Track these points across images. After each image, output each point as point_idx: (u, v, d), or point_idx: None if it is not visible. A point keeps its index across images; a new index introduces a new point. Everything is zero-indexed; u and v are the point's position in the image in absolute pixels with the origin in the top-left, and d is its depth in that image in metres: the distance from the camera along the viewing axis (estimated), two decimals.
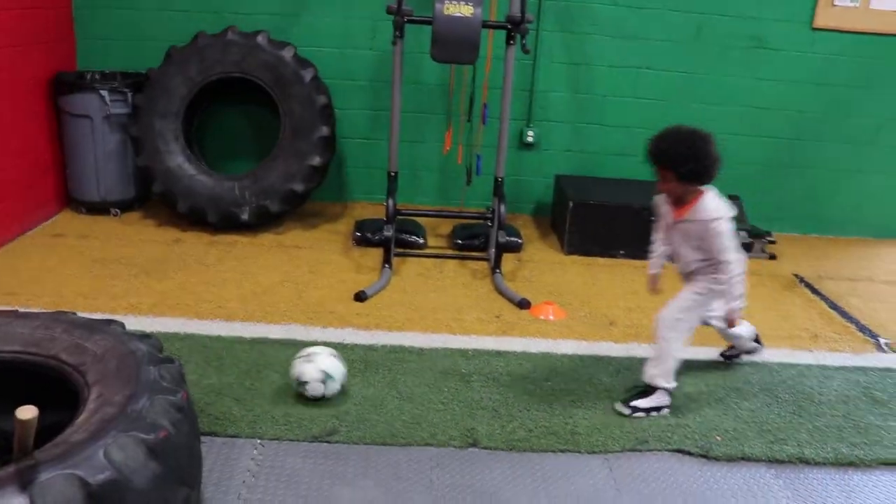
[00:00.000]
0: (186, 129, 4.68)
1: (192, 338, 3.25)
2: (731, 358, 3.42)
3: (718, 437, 2.80)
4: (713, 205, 2.76)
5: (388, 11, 4.01)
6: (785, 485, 2.59)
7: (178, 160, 4.57)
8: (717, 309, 2.94)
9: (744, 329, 3.25)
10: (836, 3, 4.97)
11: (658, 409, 2.92)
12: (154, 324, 3.35)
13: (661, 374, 2.90)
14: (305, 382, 2.75)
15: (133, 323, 3.21)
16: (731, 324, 2.86)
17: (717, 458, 2.69)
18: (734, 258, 2.74)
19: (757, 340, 3.42)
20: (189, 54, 4.55)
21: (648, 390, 2.93)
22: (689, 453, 2.71)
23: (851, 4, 4.98)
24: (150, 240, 4.42)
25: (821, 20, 5.01)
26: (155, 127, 4.54)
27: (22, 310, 2.35)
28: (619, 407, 2.91)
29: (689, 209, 2.78)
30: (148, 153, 4.55)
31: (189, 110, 4.65)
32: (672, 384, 2.93)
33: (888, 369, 3.47)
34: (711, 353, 3.48)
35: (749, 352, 3.42)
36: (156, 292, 3.71)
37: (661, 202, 2.90)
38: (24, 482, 1.51)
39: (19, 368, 2.07)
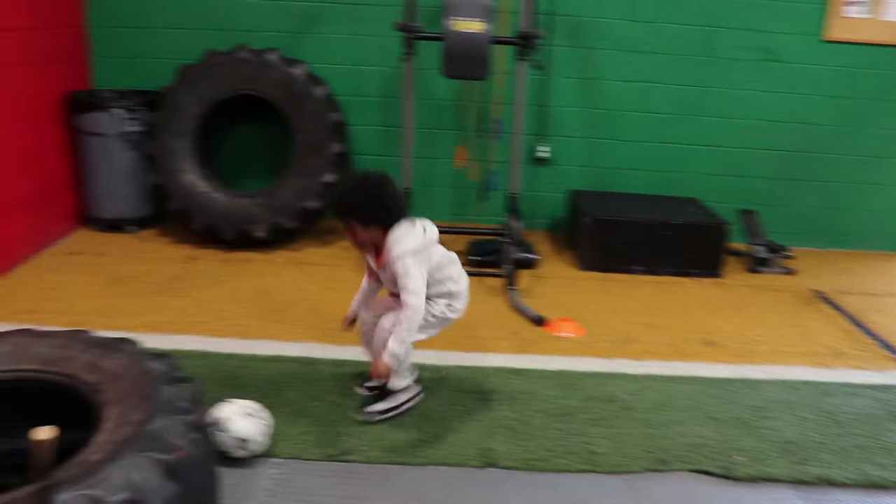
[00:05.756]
0: (200, 146, 4.68)
1: (209, 356, 3.24)
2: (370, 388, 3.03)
3: (740, 458, 2.75)
4: (397, 240, 2.64)
5: (398, 28, 4.01)
6: None
7: (192, 178, 4.58)
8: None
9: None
10: (847, 14, 4.94)
11: (406, 402, 2.88)
12: (171, 341, 3.33)
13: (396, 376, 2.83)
14: (226, 450, 2.52)
15: (151, 341, 3.18)
16: (374, 373, 2.65)
17: (739, 479, 2.64)
18: (413, 301, 2.60)
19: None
20: (201, 73, 4.57)
21: (386, 392, 2.87)
22: (711, 474, 2.66)
23: (863, 16, 4.94)
24: (166, 257, 4.42)
25: (832, 32, 4.97)
26: (169, 145, 4.55)
27: (39, 328, 2.34)
28: (363, 417, 2.83)
29: (384, 252, 2.67)
30: (162, 171, 4.56)
31: (202, 128, 4.65)
32: (407, 380, 2.87)
33: None
34: (731, 371, 3.44)
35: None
36: (172, 310, 3.70)
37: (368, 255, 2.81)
38: (43, 503, 1.49)
39: (37, 387, 2.06)
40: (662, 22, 4.96)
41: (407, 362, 2.84)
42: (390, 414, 2.84)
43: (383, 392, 2.86)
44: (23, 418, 2.06)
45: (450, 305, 2.80)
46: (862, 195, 5.36)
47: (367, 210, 2.60)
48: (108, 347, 2.13)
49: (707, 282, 4.60)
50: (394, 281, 2.69)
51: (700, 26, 4.98)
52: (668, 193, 5.19)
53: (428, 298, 2.69)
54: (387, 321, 2.76)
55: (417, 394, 2.91)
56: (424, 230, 2.69)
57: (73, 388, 2.01)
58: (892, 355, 3.73)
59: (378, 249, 2.69)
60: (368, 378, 2.92)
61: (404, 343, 2.63)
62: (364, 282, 2.92)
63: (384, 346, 2.68)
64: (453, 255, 2.83)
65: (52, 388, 2.04)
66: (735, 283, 4.62)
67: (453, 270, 2.79)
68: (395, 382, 2.83)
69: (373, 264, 2.78)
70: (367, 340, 2.92)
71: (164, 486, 1.65)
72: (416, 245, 2.63)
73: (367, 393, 2.99)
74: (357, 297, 2.93)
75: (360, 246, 2.70)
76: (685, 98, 5.12)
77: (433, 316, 2.76)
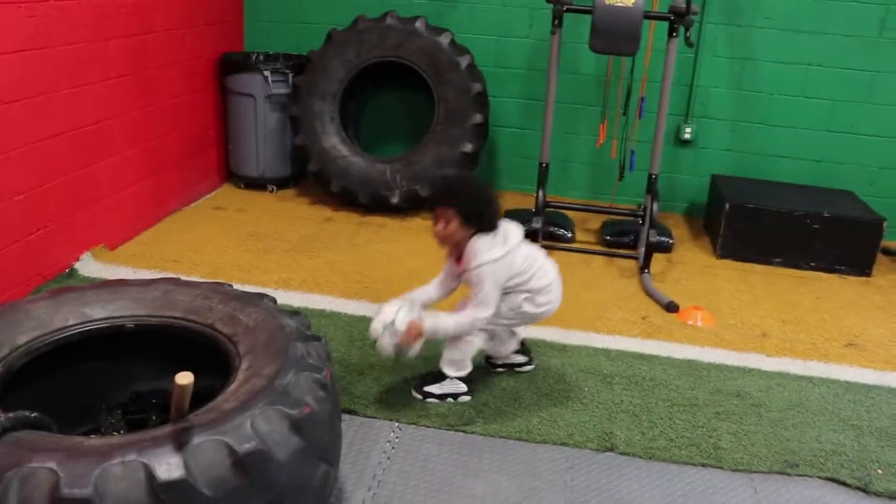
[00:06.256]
0: (343, 111, 4.79)
1: (338, 316, 3.33)
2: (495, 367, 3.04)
3: (880, 471, 2.58)
4: (478, 251, 2.59)
5: (548, 0, 3.94)
6: None
7: (333, 141, 4.69)
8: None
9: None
10: None
11: (454, 395, 2.77)
12: (302, 299, 3.45)
13: (452, 363, 2.75)
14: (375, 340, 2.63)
15: (282, 297, 3.33)
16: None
17: (876, 494, 2.48)
18: (479, 314, 2.61)
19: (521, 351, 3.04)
20: (348, 38, 4.66)
21: (439, 376, 2.77)
22: (845, 484, 2.51)
23: None
24: (303, 217, 4.57)
25: None
26: (313, 108, 4.68)
27: (184, 278, 2.47)
28: (413, 392, 2.78)
29: (464, 259, 2.63)
30: (305, 133, 4.70)
31: (346, 93, 4.76)
32: (463, 372, 2.77)
33: None
34: (875, 377, 3.23)
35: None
36: (305, 269, 3.82)
37: (448, 258, 2.76)
38: (180, 443, 1.58)
39: (179, 334, 2.17)
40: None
41: (467, 360, 2.79)
42: (435, 399, 2.78)
43: (439, 374, 2.81)
44: (165, 361, 2.19)
45: (529, 299, 2.72)
46: None
47: (475, 209, 2.58)
48: (246, 301, 2.22)
49: (855, 280, 4.32)
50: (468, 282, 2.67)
51: (873, 4, 4.62)
52: (821, 185, 4.89)
53: (506, 292, 2.67)
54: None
55: (465, 393, 2.82)
56: (506, 239, 2.63)
57: (211, 338, 2.10)
58: None
59: (459, 252, 2.67)
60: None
61: (448, 330, 2.65)
62: (438, 279, 2.84)
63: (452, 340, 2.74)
64: (537, 253, 2.77)
65: (192, 336, 2.15)
66: (887, 283, 4.32)
67: (536, 268, 2.72)
68: (449, 369, 2.79)
69: (454, 272, 2.75)
70: None
71: (290, 439, 1.71)
72: (496, 258, 2.58)
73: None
74: (421, 288, 2.84)
75: (444, 241, 2.66)
76: (850, 82, 4.78)
77: (510, 310, 2.71)
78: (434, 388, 2.79)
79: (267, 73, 4.70)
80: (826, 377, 3.18)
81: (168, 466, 1.53)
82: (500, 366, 3.02)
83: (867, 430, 2.81)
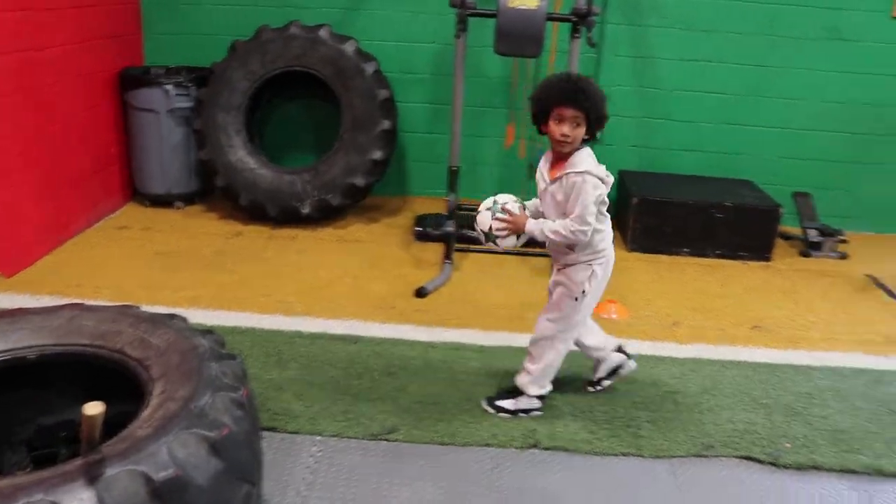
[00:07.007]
0: (248, 123, 4.72)
1: (253, 332, 3.27)
2: (598, 383, 2.98)
3: (788, 445, 2.70)
4: (586, 160, 2.52)
5: (452, 4, 3.97)
6: (861, 497, 2.48)
7: (240, 154, 4.61)
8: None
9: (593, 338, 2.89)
10: None
11: (526, 411, 2.80)
12: (215, 317, 3.38)
13: (532, 379, 2.77)
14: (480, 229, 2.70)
15: (194, 316, 3.24)
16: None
17: (786, 467, 2.59)
18: (591, 222, 2.48)
19: (622, 352, 2.95)
20: (252, 48, 4.59)
21: (515, 392, 2.81)
22: (758, 460, 2.62)
23: None
24: (212, 233, 4.48)
25: None
26: (217, 121, 4.59)
27: (89, 303, 2.38)
28: (484, 404, 2.81)
29: (565, 164, 2.53)
30: (210, 147, 4.60)
31: (251, 104, 4.69)
32: (541, 391, 2.79)
33: None
34: (780, 356, 3.37)
35: (616, 369, 2.96)
36: (217, 285, 3.74)
37: (542, 163, 2.65)
38: (92, 477, 1.52)
39: (86, 361, 2.09)
40: None
41: (550, 375, 2.80)
42: (508, 415, 2.78)
43: (515, 390, 2.82)
44: (73, 391, 2.11)
45: (599, 232, 2.59)
46: None
47: (600, 114, 2.48)
48: (157, 323, 2.16)
49: (757, 265, 4.50)
50: (558, 203, 2.56)
51: (763, 3, 4.84)
52: (722, 176, 5.08)
53: None
54: (543, 318, 2.74)
55: (539, 408, 2.82)
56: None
57: (121, 363, 2.03)
58: None
59: (561, 159, 2.56)
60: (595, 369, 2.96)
61: (546, 233, 2.52)
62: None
63: (538, 343, 2.75)
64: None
65: (101, 363, 2.07)
66: (786, 267, 4.51)
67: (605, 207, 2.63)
68: (530, 387, 2.78)
69: (545, 176, 2.61)
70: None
71: (209, 462, 1.67)
72: (601, 175, 2.52)
73: (593, 389, 2.99)
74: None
75: (570, 145, 2.50)
76: (745, 78, 4.99)
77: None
78: (508, 404, 2.78)
79: (168, 87, 4.59)
80: (736, 360, 3.31)
81: (80, 503, 1.47)
82: (603, 378, 2.95)
83: (775, 407, 2.93)
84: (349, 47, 4.56)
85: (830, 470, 2.60)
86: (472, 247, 4.41)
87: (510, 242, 2.65)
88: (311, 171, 4.59)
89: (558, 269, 2.70)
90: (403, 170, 5.30)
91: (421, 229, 4.53)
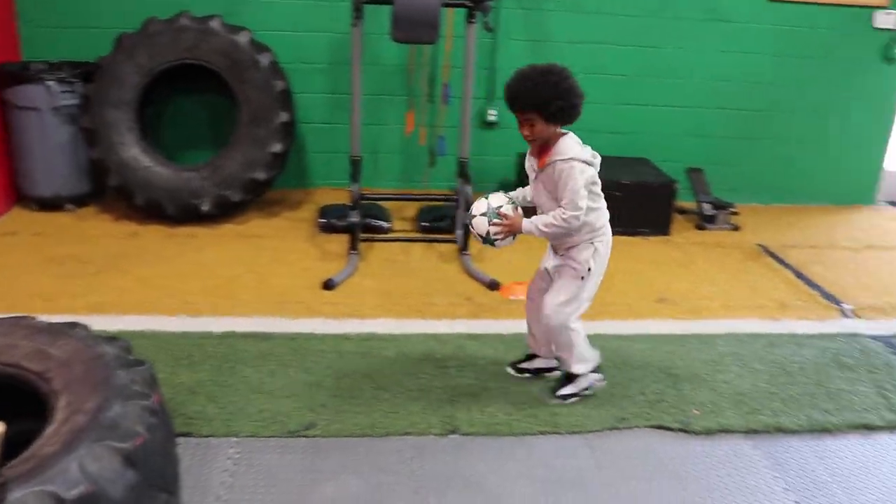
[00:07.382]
0: (141, 119, 4.53)
1: (159, 336, 3.16)
2: (521, 370, 3.03)
3: (696, 411, 2.81)
4: (570, 146, 2.60)
5: None
6: (763, 455, 2.61)
7: (133, 152, 4.43)
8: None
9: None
10: None
11: (588, 388, 2.88)
12: (117, 322, 3.24)
13: (574, 361, 2.83)
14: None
15: (96, 323, 3.09)
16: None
17: (696, 433, 2.70)
18: (582, 205, 2.54)
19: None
20: (139, 41, 4.41)
21: (570, 377, 2.87)
22: (669, 429, 2.72)
23: None
24: (108, 235, 4.29)
25: None
26: (107, 118, 4.39)
27: None
28: (551, 400, 2.85)
29: (551, 153, 2.60)
30: (101, 145, 4.41)
31: (143, 100, 4.50)
32: (590, 365, 2.86)
33: (853, 335, 3.52)
34: (684, 327, 3.50)
35: (545, 371, 3.01)
36: (117, 290, 3.60)
37: (529, 153, 2.72)
38: None
39: None
40: None
41: (588, 347, 2.82)
42: (573, 399, 2.83)
43: (568, 377, 2.84)
44: None
45: (595, 210, 2.65)
46: (804, 151, 5.49)
47: (556, 108, 2.51)
48: (55, 333, 2.06)
49: (656, 240, 4.65)
50: (549, 191, 2.62)
51: None
52: (619, 155, 5.21)
53: None
54: (551, 304, 2.74)
55: (599, 379, 2.87)
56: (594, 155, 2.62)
57: (19, 378, 1.93)
58: (834, 305, 3.83)
59: (545, 148, 2.61)
60: (530, 358, 3.02)
61: (542, 227, 2.59)
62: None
63: (546, 333, 2.79)
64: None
65: None
66: (683, 240, 4.68)
67: (598, 189, 2.67)
68: (578, 367, 2.80)
69: (534, 166, 2.67)
70: (533, 317, 2.92)
71: (124, 474, 1.61)
72: (586, 159, 2.57)
73: (514, 373, 3.01)
74: (519, 189, 2.82)
75: (534, 142, 2.61)
76: (635, 59, 5.13)
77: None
78: (569, 389, 2.84)
79: (51, 83, 4.36)
80: (643, 333, 3.43)
81: None
82: (528, 370, 3.00)
83: (683, 377, 3.05)
84: (243, 38, 4.44)
85: (736, 432, 2.72)
86: (377, 236, 4.39)
87: (507, 242, 2.74)
88: (209, 167, 4.46)
89: (560, 254, 2.75)
90: (304, 162, 5.21)
91: (325, 221, 4.47)
